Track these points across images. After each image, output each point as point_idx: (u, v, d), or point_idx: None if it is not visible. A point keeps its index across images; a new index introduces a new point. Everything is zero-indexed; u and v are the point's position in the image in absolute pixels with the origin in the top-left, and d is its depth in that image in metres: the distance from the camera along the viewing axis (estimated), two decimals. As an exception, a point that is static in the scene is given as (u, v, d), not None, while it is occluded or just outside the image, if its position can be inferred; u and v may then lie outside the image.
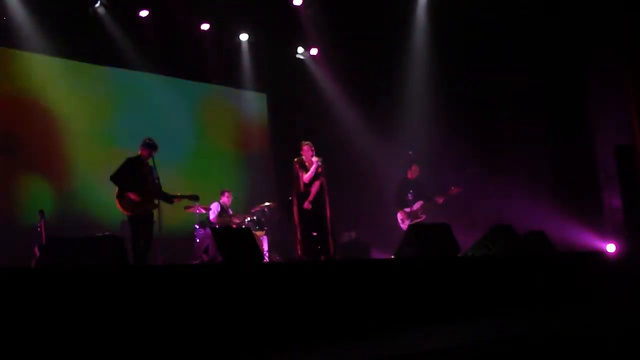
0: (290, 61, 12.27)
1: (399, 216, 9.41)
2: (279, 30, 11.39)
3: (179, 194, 7.66)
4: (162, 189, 7.43)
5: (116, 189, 7.21)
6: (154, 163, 7.33)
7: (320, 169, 7.74)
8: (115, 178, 7.19)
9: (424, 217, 9.32)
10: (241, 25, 11.44)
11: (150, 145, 7.39)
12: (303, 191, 7.77)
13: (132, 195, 7.15)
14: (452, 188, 9.31)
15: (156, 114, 10.53)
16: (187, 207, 9.52)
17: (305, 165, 7.80)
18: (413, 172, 9.49)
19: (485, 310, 5.42)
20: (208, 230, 8.64)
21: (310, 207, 7.70)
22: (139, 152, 7.40)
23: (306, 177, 7.72)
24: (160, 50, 10.44)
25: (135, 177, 7.23)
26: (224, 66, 11.53)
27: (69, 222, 8.94)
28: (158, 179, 7.36)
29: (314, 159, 7.71)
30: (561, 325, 4.92)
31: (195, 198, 8.05)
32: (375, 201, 11.09)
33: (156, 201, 7.37)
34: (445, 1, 10.75)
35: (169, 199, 7.55)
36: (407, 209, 9.33)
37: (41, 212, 8.54)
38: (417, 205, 9.36)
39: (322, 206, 7.79)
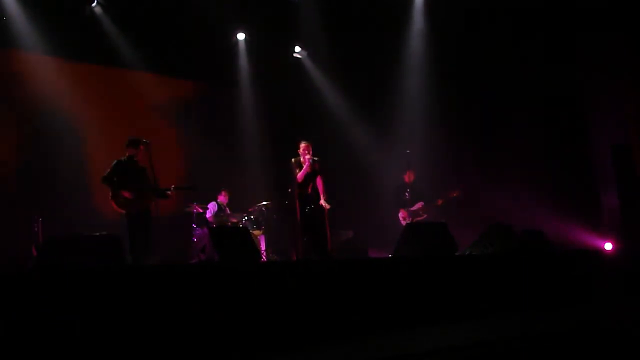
0: (288, 60, 12.25)
1: (401, 214, 9.52)
2: (277, 30, 11.37)
3: (173, 187, 7.63)
4: (159, 187, 7.46)
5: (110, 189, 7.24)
6: (151, 163, 7.30)
7: (314, 167, 7.74)
8: (106, 179, 7.21)
9: (425, 215, 9.40)
10: (238, 24, 11.42)
11: (134, 143, 7.44)
12: (298, 191, 7.78)
13: (125, 193, 7.19)
14: (451, 191, 9.38)
15: (153, 113, 10.52)
16: (185, 207, 9.51)
17: (301, 165, 7.81)
18: (410, 177, 9.63)
19: (483, 309, 5.41)
20: (205, 229, 8.64)
21: (327, 206, 7.73)
22: (127, 153, 7.43)
23: (299, 175, 7.74)
24: (157, 50, 10.43)
25: (127, 176, 7.25)
26: (221, 65, 11.52)
27: (67, 222, 8.91)
28: (155, 178, 7.36)
29: (307, 157, 7.72)
30: (559, 324, 4.92)
31: (193, 188, 8.02)
32: (373, 200, 11.11)
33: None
34: (442, 3, 10.75)
35: (163, 193, 7.53)
36: (409, 208, 9.43)
37: (38, 211, 8.53)
38: (417, 206, 9.46)
39: (319, 206, 7.79)
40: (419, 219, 9.39)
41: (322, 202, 7.73)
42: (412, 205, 9.51)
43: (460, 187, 9.45)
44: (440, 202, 9.38)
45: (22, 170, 9.27)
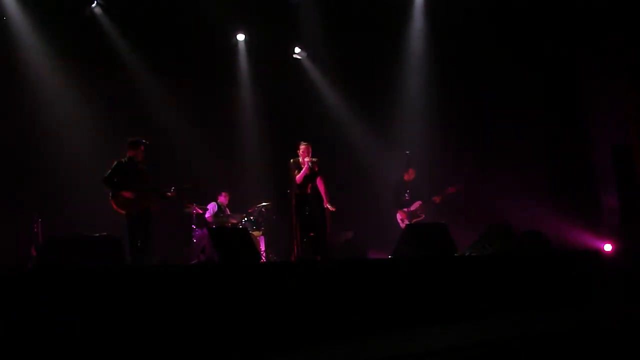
0: (287, 61, 12.25)
1: (399, 216, 9.47)
2: (276, 30, 11.37)
3: (173, 188, 7.63)
4: (159, 188, 7.50)
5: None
6: (150, 165, 7.33)
7: (313, 169, 7.75)
8: (106, 180, 7.21)
9: (423, 216, 9.36)
10: (238, 24, 11.42)
11: (135, 144, 7.45)
12: (297, 192, 7.79)
13: (126, 194, 7.19)
14: (449, 187, 9.34)
15: (153, 114, 10.51)
16: (185, 207, 9.51)
17: (300, 166, 7.82)
18: (410, 175, 9.55)
19: (483, 309, 5.41)
20: (205, 230, 8.64)
21: (332, 209, 7.77)
22: (127, 154, 7.43)
23: (298, 177, 7.76)
24: (157, 50, 10.43)
25: (127, 177, 7.26)
26: (221, 66, 11.52)
27: (66, 222, 8.91)
28: (155, 179, 7.38)
29: (306, 159, 7.73)
30: (559, 324, 4.92)
31: (193, 189, 8.02)
32: (373, 201, 11.08)
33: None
34: (442, 3, 10.74)
35: (164, 194, 7.54)
36: (406, 209, 9.37)
37: (38, 212, 8.53)
38: (415, 205, 9.41)
39: (318, 207, 7.79)
40: (417, 219, 9.34)
41: (327, 205, 7.76)
42: (410, 205, 9.47)
43: (457, 183, 9.40)
44: (438, 199, 9.34)
45: (22, 170, 9.26)
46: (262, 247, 9.79)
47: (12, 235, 8.52)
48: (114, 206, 7.23)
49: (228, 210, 10.15)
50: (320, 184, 7.87)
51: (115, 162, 7.35)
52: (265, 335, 4.24)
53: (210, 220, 9.79)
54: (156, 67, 10.58)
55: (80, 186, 9.32)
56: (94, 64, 10.34)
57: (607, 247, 9.35)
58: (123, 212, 7.25)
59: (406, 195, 9.46)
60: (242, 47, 11.78)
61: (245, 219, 9.95)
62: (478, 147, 10.86)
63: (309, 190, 7.80)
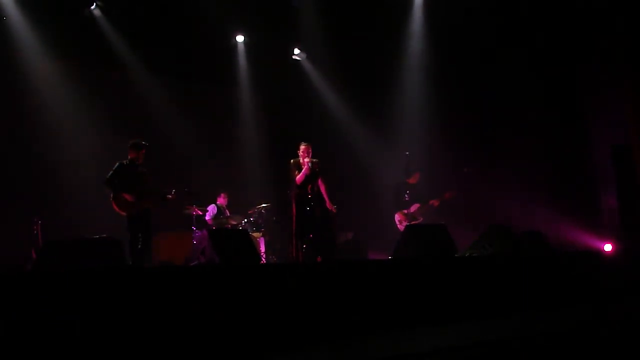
0: (287, 62, 12.25)
1: (397, 217, 9.44)
2: (276, 32, 11.38)
3: (174, 191, 7.65)
4: (160, 190, 7.52)
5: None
6: (150, 166, 7.35)
7: (313, 170, 7.74)
8: (108, 182, 7.22)
9: (421, 219, 9.32)
10: (238, 25, 11.43)
11: (136, 146, 7.46)
12: (297, 192, 7.79)
13: (126, 196, 7.20)
14: (447, 192, 9.32)
15: (153, 114, 10.51)
16: (185, 209, 9.50)
17: (300, 166, 7.82)
18: (414, 179, 9.47)
19: (483, 310, 5.41)
20: (205, 231, 8.64)
21: (334, 210, 7.79)
22: (129, 156, 7.44)
23: (298, 178, 7.75)
24: (157, 51, 10.44)
25: (128, 179, 7.27)
26: (220, 66, 11.52)
27: (66, 223, 8.91)
28: (153, 182, 7.40)
29: (306, 160, 7.73)
30: (559, 324, 4.92)
31: (193, 192, 8.05)
32: (373, 202, 11.09)
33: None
34: (441, 3, 10.75)
35: (164, 197, 7.57)
36: (405, 210, 9.35)
37: (38, 213, 8.53)
38: (413, 208, 9.38)
39: (320, 207, 7.78)
40: (414, 222, 9.30)
41: (329, 205, 7.77)
42: (410, 206, 9.44)
43: (454, 189, 9.39)
44: (436, 203, 9.32)
45: (21, 172, 9.26)
46: (262, 249, 9.79)
47: (12, 237, 8.52)
48: (115, 207, 7.24)
49: (228, 212, 10.14)
50: (321, 184, 7.87)
51: (117, 164, 7.36)
52: (265, 335, 4.23)
53: (210, 222, 9.79)
54: (156, 68, 10.60)
55: (80, 188, 9.34)
56: (94, 65, 10.34)
57: (607, 247, 9.35)
58: (124, 213, 7.27)
59: (406, 196, 9.43)
60: (241, 48, 11.79)
61: (245, 220, 9.95)
62: (478, 147, 10.86)
63: (309, 191, 7.79)
